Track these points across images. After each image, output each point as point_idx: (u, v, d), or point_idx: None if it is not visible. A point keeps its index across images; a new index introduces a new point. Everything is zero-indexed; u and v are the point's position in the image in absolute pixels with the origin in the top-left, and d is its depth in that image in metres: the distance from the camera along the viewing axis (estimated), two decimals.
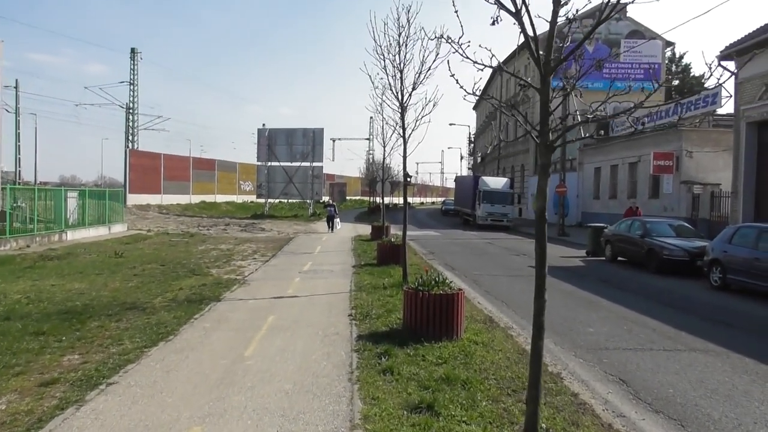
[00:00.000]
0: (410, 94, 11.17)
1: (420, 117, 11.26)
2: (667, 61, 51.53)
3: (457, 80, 4.34)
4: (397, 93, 11.20)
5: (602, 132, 37.80)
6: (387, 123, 12.31)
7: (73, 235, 23.89)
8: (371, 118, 67.80)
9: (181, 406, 4.93)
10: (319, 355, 6.60)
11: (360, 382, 5.59)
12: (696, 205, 26.42)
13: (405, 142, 11.39)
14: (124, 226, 29.84)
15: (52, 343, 7.15)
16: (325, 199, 38.82)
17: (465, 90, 4.15)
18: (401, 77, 11.09)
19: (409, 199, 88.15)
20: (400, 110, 11.28)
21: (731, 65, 21.04)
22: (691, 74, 56.85)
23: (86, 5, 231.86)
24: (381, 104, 12.13)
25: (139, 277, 13.06)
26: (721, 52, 21.00)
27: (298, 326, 8.07)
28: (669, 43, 49.34)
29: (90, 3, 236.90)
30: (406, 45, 10.94)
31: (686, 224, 19.02)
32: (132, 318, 8.59)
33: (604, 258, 19.71)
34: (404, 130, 11.38)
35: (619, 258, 18.90)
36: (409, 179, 11.60)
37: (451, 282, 7.74)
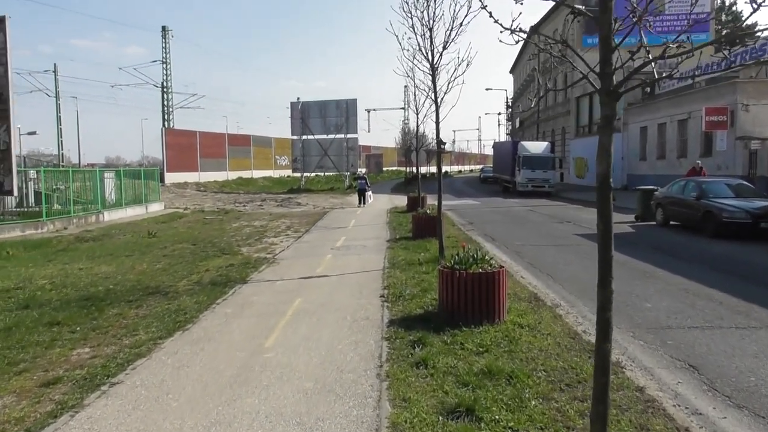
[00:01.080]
0: (441, 54, 10.27)
1: (453, 78, 10.37)
2: (716, 11, 48.36)
3: (490, 13, 3.52)
4: (427, 53, 10.31)
5: (648, 90, 35.82)
6: (418, 88, 11.46)
7: (110, 216, 23.94)
8: (405, 86, 66.40)
9: (186, 412, 4.37)
10: (345, 345, 5.97)
11: (390, 379, 4.93)
12: (753, 162, 24.69)
13: (437, 107, 10.52)
14: (161, 204, 29.90)
15: (65, 334, 6.73)
16: (361, 171, 37.44)
17: (502, 26, 3.33)
18: (431, 36, 10.18)
19: (446, 168, 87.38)
20: (431, 72, 10.39)
21: None
22: (744, 23, 53.40)
23: None
24: (412, 68, 11.25)
25: (168, 258, 12.71)
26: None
27: (325, 310, 7.46)
28: None
29: None
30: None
31: (746, 183, 17.60)
32: (153, 304, 8.14)
33: (654, 222, 18.50)
34: (436, 93, 10.51)
35: (672, 222, 17.68)
36: (443, 146, 10.76)
37: (491, 258, 6.96)
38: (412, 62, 10.69)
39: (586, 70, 3.10)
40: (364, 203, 29.10)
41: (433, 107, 10.84)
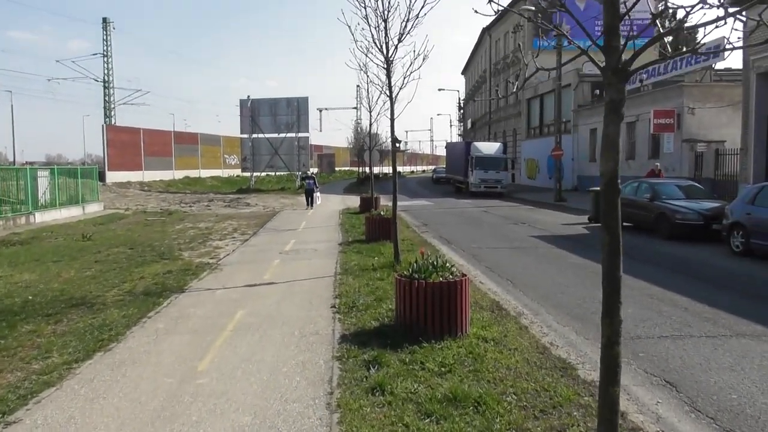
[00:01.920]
0: (396, 47, 9.69)
1: (408, 73, 9.82)
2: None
3: None
4: (381, 46, 9.71)
5: (597, 92, 36.36)
6: (372, 83, 10.82)
7: (42, 217, 22.37)
8: (358, 86, 65.73)
9: None
10: (292, 367, 5.28)
11: (341, 410, 4.28)
12: (699, 164, 25.18)
13: (392, 103, 9.94)
14: (100, 205, 28.30)
15: None
16: (312, 171, 36.01)
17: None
18: (386, 27, 9.59)
19: (400, 168, 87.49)
20: (385, 66, 9.79)
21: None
22: (685, 30, 55.12)
23: None
24: (365, 62, 10.63)
25: (101, 264, 11.67)
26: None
27: (270, 324, 6.74)
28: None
29: None
30: None
31: (696, 184, 17.75)
32: (74, 318, 7.23)
33: None
34: (391, 89, 9.92)
35: (626, 223, 17.65)
36: (398, 144, 10.17)
37: (452, 266, 6.39)
38: (366, 55, 10.06)
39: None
40: (313, 205, 27.65)
41: (388, 104, 10.26)
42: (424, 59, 9.76)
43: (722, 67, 30.91)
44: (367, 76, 10.74)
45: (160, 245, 14.59)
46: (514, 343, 5.94)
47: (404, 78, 9.85)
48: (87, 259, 12.51)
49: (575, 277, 10.19)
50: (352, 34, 9.76)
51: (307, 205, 27.59)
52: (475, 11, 3.01)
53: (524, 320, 7.11)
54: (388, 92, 9.94)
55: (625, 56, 2.71)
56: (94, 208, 26.89)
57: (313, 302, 7.74)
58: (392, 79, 9.91)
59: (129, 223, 21.48)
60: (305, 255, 12.33)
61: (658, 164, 22.79)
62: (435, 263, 6.20)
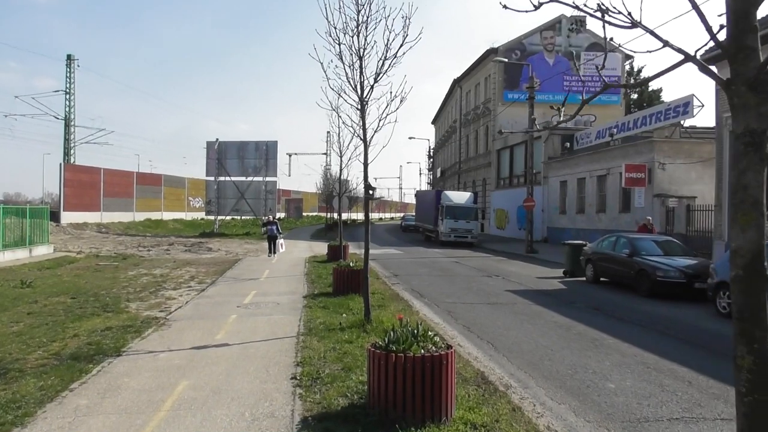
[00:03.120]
0: (372, 87, 8.98)
1: (384, 115, 9.06)
2: (626, 75, 51.01)
3: None
4: (355, 85, 8.98)
5: (567, 145, 36.59)
6: (345, 124, 10.02)
7: None
8: (328, 132, 65.24)
9: None
10: None
11: None
12: (671, 219, 25.06)
13: (366, 147, 9.14)
14: (50, 247, 26.55)
15: None
16: (274, 215, 34.56)
17: None
18: (361, 66, 8.88)
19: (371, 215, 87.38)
20: (359, 107, 9.04)
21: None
22: (650, 88, 56.79)
23: (35, 19, 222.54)
24: (338, 102, 9.86)
25: (32, 317, 10.36)
26: (701, 56, 19.61)
27: (216, 401, 5.63)
28: (628, 57, 48.88)
29: (40, 17, 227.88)
30: (366, 26, 8.77)
31: (674, 240, 17.35)
32: None
33: (584, 279, 17.85)
34: (365, 131, 9.14)
35: (602, 279, 17.07)
36: (372, 191, 9.33)
37: (435, 335, 5.44)
38: (339, 95, 9.30)
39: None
40: (275, 252, 25.65)
41: (359, 148, 9.47)
42: (401, 101, 9.05)
43: (688, 125, 31.33)
44: (339, 118, 9.98)
45: (106, 294, 13.29)
46: (509, 430, 4.99)
47: (379, 120, 9.09)
48: (19, 310, 11.16)
49: (560, 339, 9.34)
50: (324, 72, 9.03)
51: (270, 252, 25.83)
52: (505, 6, 2.17)
53: (514, 396, 6.18)
54: (362, 134, 9.16)
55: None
56: (42, 251, 25.19)
57: (271, 371, 6.66)
58: (366, 122, 9.15)
59: (78, 268, 19.98)
60: (266, 309, 11.21)
61: (650, 218, 21.79)
62: (415, 332, 5.26)
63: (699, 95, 25.74)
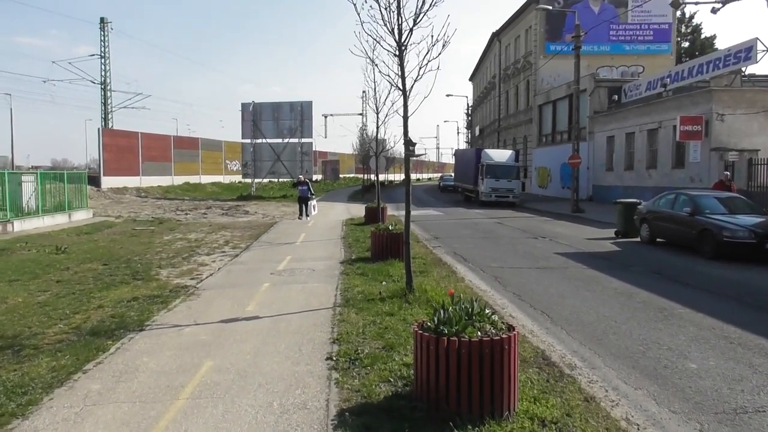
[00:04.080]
0: (411, 30, 7.98)
1: (425, 62, 8.08)
2: (677, 22, 47.84)
3: None
4: (392, 29, 7.99)
5: (615, 98, 34.58)
6: (381, 73, 9.03)
7: (22, 226, 20.71)
8: (363, 92, 63.97)
9: None
10: None
11: None
12: (730, 174, 23.33)
13: (405, 97, 8.19)
14: (89, 212, 26.62)
15: None
16: (311, 177, 33.65)
17: None
18: (399, 6, 7.88)
19: (403, 176, 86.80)
20: (397, 53, 8.08)
21: None
22: (702, 35, 53.38)
23: None
24: (373, 49, 8.88)
25: (61, 285, 9.97)
26: None
27: (242, 387, 4.97)
28: (679, 2, 45.68)
29: None
30: None
31: (740, 197, 15.95)
32: None
33: (638, 239, 16.70)
34: (404, 80, 8.18)
35: (659, 239, 15.89)
36: (412, 147, 8.43)
37: (492, 313, 4.61)
38: (375, 42, 8.32)
39: None
40: (307, 215, 24.08)
41: (397, 104, 8.56)
42: (444, 45, 8.05)
43: (748, 73, 29.04)
44: (375, 67, 8.98)
45: (138, 261, 12.90)
46: (584, 427, 4.18)
47: (420, 68, 8.13)
48: (49, 278, 10.81)
49: (623, 309, 8.41)
50: (358, 14, 8.05)
51: (300, 214, 24.41)
52: None
53: (581, 379, 5.35)
54: (401, 84, 8.21)
55: None
56: (81, 216, 25.22)
57: (304, 349, 5.98)
58: (405, 69, 8.18)
59: (115, 233, 19.80)
60: (300, 276, 10.57)
61: (728, 173, 19.65)
62: (470, 309, 4.44)
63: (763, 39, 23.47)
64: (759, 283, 10.55)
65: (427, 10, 7.86)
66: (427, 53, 8.05)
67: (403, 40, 8.00)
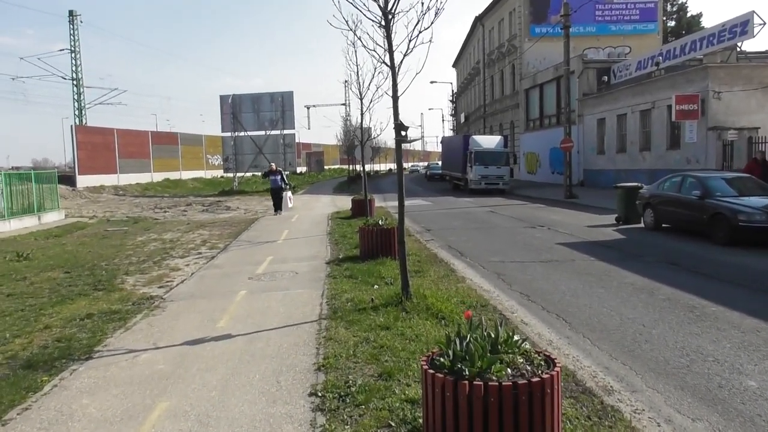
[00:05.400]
0: None
1: (416, 34, 6.96)
2: (663, 1, 46.98)
3: None
4: None
5: (605, 79, 33.64)
6: (366, 47, 7.86)
7: None
8: (345, 81, 62.49)
9: None
10: None
11: None
12: (729, 154, 22.50)
13: (394, 73, 7.07)
14: (61, 213, 25.19)
15: None
16: (301, 170, 32.49)
17: None
18: None
19: (392, 165, 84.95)
20: (383, 21, 6.95)
21: None
22: (688, 14, 52.66)
23: None
24: (355, 21, 7.72)
25: (11, 299, 8.79)
26: None
27: None
28: None
29: None
30: None
31: (748, 176, 15.05)
32: None
33: (641, 225, 15.79)
34: (392, 54, 7.06)
35: (664, 225, 14.96)
36: (404, 132, 7.33)
37: (523, 341, 3.56)
38: (357, 10, 7.15)
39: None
40: (280, 210, 21.63)
41: (382, 87, 7.47)
42: (436, 14, 6.94)
43: (741, 50, 28.18)
44: (359, 39, 7.80)
45: (105, 267, 11.71)
46: None
47: (409, 40, 7.01)
48: (1, 290, 9.60)
49: (647, 309, 7.42)
50: None
51: (276, 209, 21.80)
52: None
53: (625, 408, 4.33)
54: (388, 60, 7.09)
55: None
56: (52, 218, 23.82)
57: (282, 381, 4.88)
58: (393, 43, 7.07)
59: (85, 234, 18.52)
60: (282, 281, 9.45)
61: (765, 151, 18.00)
62: (495, 337, 3.38)
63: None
64: None
65: None
66: (418, 23, 6.94)
67: (389, 7, 6.88)
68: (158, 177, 47.49)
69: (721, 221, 12.49)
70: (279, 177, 21.93)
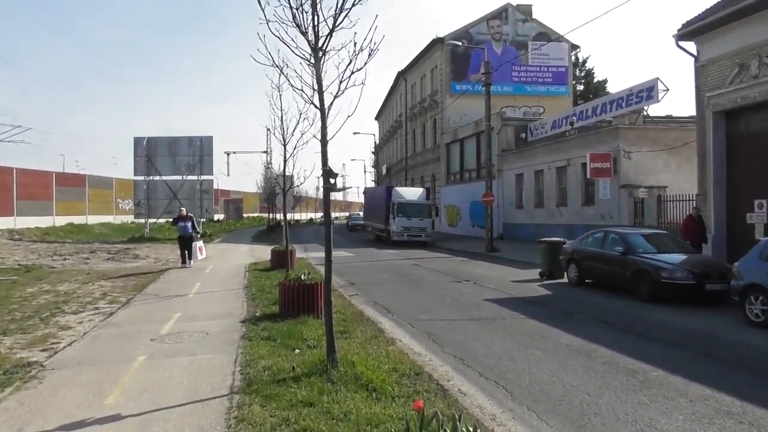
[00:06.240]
0: (330, 34, 6.30)
1: (348, 75, 6.40)
2: (572, 65, 49.98)
3: None
4: (306, 29, 6.28)
5: (523, 136, 34.80)
6: (293, 87, 7.18)
7: None
8: (268, 129, 61.59)
9: None
10: None
11: None
12: (640, 211, 23.45)
13: (324, 115, 6.44)
14: None
15: None
16: (219, 217, 30.93)
17: None
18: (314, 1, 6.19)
19: (312, 215, 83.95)
20: (312, 57, 6.35)
21: (691, 47, 18.06)
22: (595, 79, 56.23)
23: None
24: (282, 58, 7.08)
25: None
26: (678, 31, 17.89)
27: None
28: (574, 46, 47.94)
29: None
30: None
31: (666, 233, 15.46)
32: None
33: (565, 280, 15.79)
34: (321, 92, 6.44)
35: (587, 280, 14.99)
36: (333, 179, 6.65)
37: None
38: (284, 44, 6.51)
39: None
40: (190, 259, 19.68)
41: (307, 134, 6.81)
42: (369, 54, 6.43)
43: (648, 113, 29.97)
44: (285, 79, 7.13)
45: None
46: None
47: (340, 81, 6.44)
48: None
49: (589, 374, 6.97)
50: (263, 10, 6.26)
51: (184, 260, 19.69)
52: None
53: None
54: (317, 101, 6.46)
55: None
56: None
57: None
58: (324, 83, 6.47)
59: None
60: (189, 344, 8.34)
61: (698, 207, 17.36)
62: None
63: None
64: (705, 328, 9.63)
65: (351, 8, 6.24)
66: (350, 63, 6.40)
67: (320, 44, 6.31)
68: (61, 221, 44.18)
69: (644, 277, 12.56)
70: (190, 224, 20.11)
